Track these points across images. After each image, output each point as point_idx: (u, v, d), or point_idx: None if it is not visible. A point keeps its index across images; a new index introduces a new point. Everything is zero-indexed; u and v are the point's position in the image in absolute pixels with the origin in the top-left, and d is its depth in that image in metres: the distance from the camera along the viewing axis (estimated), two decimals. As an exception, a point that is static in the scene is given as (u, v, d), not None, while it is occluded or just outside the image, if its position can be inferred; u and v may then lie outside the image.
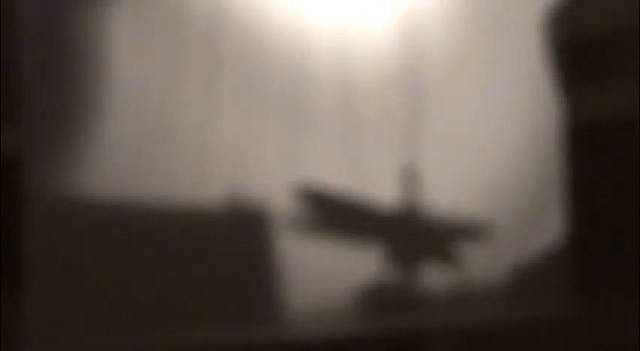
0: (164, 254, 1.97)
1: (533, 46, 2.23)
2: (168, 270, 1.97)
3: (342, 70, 2.08)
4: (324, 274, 2.06)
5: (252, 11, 2.02)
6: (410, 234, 2.14)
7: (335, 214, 2.08)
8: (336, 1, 2.08)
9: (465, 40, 2.17)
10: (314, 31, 2.06)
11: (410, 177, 2.12)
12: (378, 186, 2.10)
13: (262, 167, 2.02)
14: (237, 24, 2.02)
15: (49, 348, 1.91)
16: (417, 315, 2.14)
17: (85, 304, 1.92)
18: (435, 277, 2.15)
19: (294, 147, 2.05)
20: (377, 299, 2.11)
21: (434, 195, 2.13)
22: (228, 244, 2.01)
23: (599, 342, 2.30)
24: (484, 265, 2.19)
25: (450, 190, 2.14)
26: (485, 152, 2.19)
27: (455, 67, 2.16)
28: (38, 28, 1.90)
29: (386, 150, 2.11)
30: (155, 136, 1.97)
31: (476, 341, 2.29)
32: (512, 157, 2.22)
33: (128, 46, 1.94)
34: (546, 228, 2.26)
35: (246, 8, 2.02)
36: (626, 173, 2.38)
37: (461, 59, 2.16)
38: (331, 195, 2.08)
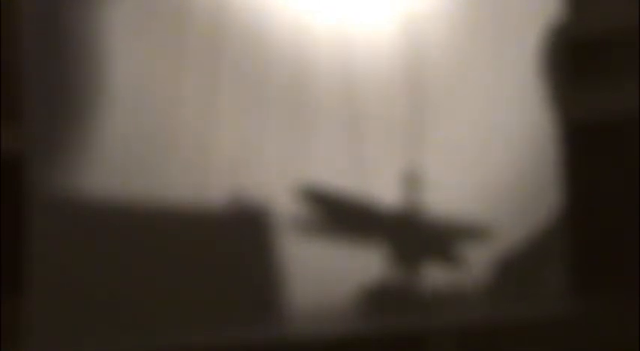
0: (165, 254, 1.97)
1: (535, 48, 2.23)
2: (168, 270, 1.97)
3: (344, 70, 2.08)
4: (325, 274, 2.06)
5: (252, 11, 2.02)
6: (411, 234, 2.14)
7: (336, 215, 2.08)
8: (337, 1, 2.08)
9: (466, 42, 2.16)
10: (315, 32, 2.06)
11: (411, 177, 2.12)
12: (380, 186, 2.10)
13: (263, 167, 2.02)
14: (237, 24, 2.02)
15: (49, 348, 1.90)
16: (417, 315, 2.14)
17: (85, 305, 1.92)
18: (435, 278, 2.15)
19: (295, 147, 2.05)
20: (377, 299, 2.11)
21: (435, 195, 2.13)
22: (229, 244, 2.01)
23: (599, 342, 2.30)
24: (484, 265, 2.19)
25: (451, 190, 2.14)
26: (486, 153, 2.18)
27: (456, 69, 2.15)
28: (38, 28, 1.90)
29: (387, 150, 2.11)
30: (156, 137, 1.97)
31: (476, 341, 2.29)
32: (512, 158, 2.21)
33: (129, 47, 1.94)
34: (547, 228, 2.26)
35: (247, 8, 2.02)
36: (626, 173, 2.38)
37: (462, 60, 2.16)
38: (333, 195, 2.08)
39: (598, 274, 2.35)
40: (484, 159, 2.18)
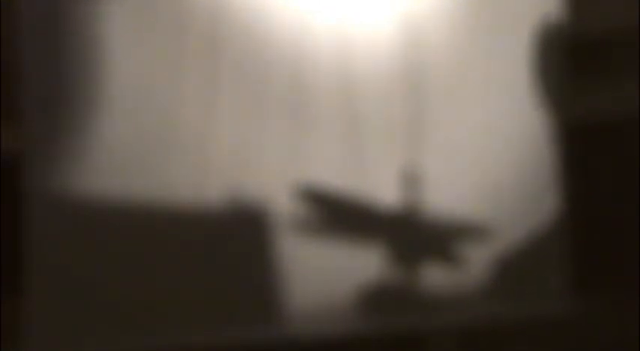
0: (164, 254, 1.97)
1: (533, 47, 2.23)
2: (168, 270, 1.97)
3: (343, 70, 2.08)
4: (325, 273, 2.06)
5: (252, 11, 2.02)
6: (410, 234, 2.14)
7: (336, 215, 2.08)
8: (337, 1, 2.08)
9: (466, 41, 2.16)
10: (315, 31, 2.06)
11: (410, 177, 2.12)
12: (379, 186, 2.10)
13: (262, 167, 2.02)
14: (238, 24, 2.02)
15: (49, 348, 1.91)
16: (417, 315, 2.14)
17: (85, 305, 1.92)
18: (435, 277, 2.15)
19: (295, 147, 2.05)
20: (377, 299, 2.11)
21: (435, 195, 2.13)
22: (228, 243, 2.01)
23: (599, 342, 2.30)
24: (484, 265, 2.19)
25: (451, 190, 2.14)
26: (485, 152, 2.18)
27: (456, 68, 2.15)
28: (38, 28, 1.90)
29: (387, 150, 2.11)
30: (156, 137, 1.97)
31: (476, 341, 2.29)
32: (512, 158, 2.21)
33: (129, 47, 1.94)
34: (546, 228, 2.26)
35: (247, 8, 2.02)
36: (626, 173, 2.38)
37: (462, 60, 2.16)
38: (332, 195, 2.08)
39: (598, 274, 2.35)
40: (483, 159, 2.18)
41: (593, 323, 2.30)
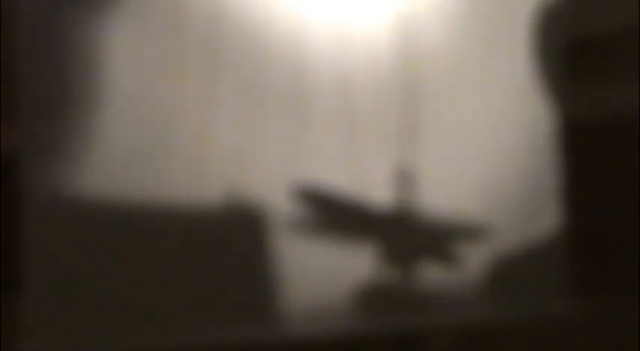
0: (163, 254, 1.97)
1: (530, 44, 2.24)
2: (167, 270, 1.97)
3: (341, 70, 2.08)
4: (323, 273, 2.06)
5: (251, 11, 2.02)
6: (408, 234, 2.14)
7: (333, 214, 2.09)
8: (334, 1, 2.08)
9: (463, 41, 2.17)
10: (313, 32, 2.06)
11: (407, 177, 2.13)
12: (377, 186, 2.10)
13: (260, 167, 2.02)
14: (236, 24, 2.02)
15: (49, 348, 1.91)
16: (417, 315, 2.14)
17: (84, 304, 1.92)
18: (433, 277, 2.15)
19: (292, 147, 2.05)
20: (376, 299, 2.11)
21: (432, 195, 2.14)
22: (226, 243, 2.01)
23: (599, 342, 2.30)
24: (483, 264, 2.19)
25: (448, 189, 2.15)
26: (483, 152, 2.19)
27: (453, 68, 2.16)
28: (38, 29, 1.90)
29: (384, 150, 2.11)
30: (155, 137, 1.97)
31: (476, 341, 2.29)
32: (510, 157, 2.22)
33: (128, 46, 1.95)
34: (545, 228, 2.26)
35: (246, 8, 2.02)
36: (625, 173, 2.38)
37: (459, 59, 2.16)
38: (329, 195, 2.08)
39: (598, 274, 2.35)
40: (481, 158, 2.18)
41: (593, 323, 2.29)
